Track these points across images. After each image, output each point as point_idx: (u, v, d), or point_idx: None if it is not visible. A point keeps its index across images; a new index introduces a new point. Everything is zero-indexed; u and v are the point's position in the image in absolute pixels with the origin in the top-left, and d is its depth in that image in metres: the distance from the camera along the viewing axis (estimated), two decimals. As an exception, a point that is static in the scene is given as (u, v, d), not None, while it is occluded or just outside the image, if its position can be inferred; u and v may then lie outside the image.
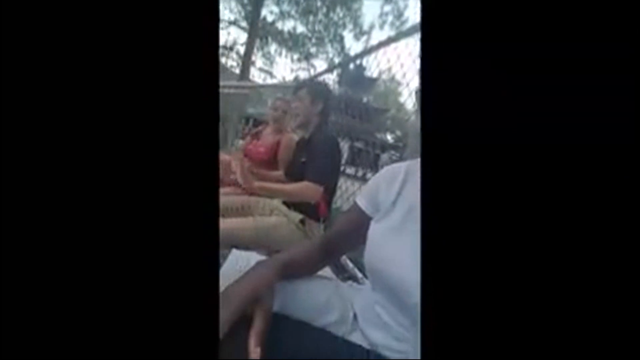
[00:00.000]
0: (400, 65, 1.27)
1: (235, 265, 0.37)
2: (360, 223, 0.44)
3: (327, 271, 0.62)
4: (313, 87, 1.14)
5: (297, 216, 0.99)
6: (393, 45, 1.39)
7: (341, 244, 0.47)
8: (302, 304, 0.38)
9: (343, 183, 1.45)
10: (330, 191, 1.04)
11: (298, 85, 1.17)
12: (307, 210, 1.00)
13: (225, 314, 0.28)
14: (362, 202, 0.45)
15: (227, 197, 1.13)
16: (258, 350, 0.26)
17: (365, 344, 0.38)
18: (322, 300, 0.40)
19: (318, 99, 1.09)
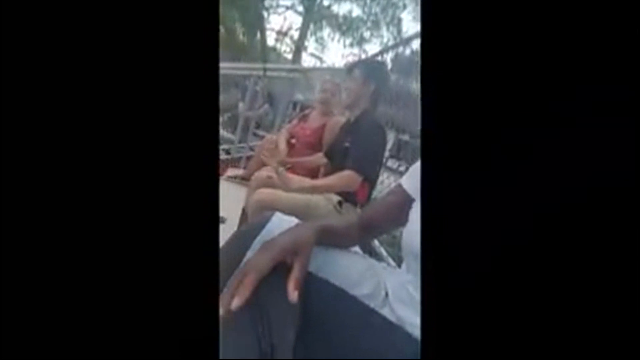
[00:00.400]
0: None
1: (279, 225, 0.41)
2: (402, 205, 0.44)
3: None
4: (368, 66, 1.11)
5: (336, 197, 1.01)
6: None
7: (381, 223, 0.48)
8: (336, 272, 0.40)
9: (385, 178, 1.42)
10: (371, 180, 1.04)
11: (353, 64, 1.15)
12: (347, 193, 1.01)
13: (266, 258, 0.31)
14: (406, 184, 0.46)
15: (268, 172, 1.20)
16: (295, 293, 0.29)
17: (393, 319, 0.40)
18: (354, 272, 0.42)
19: (371, 80, 1.06)
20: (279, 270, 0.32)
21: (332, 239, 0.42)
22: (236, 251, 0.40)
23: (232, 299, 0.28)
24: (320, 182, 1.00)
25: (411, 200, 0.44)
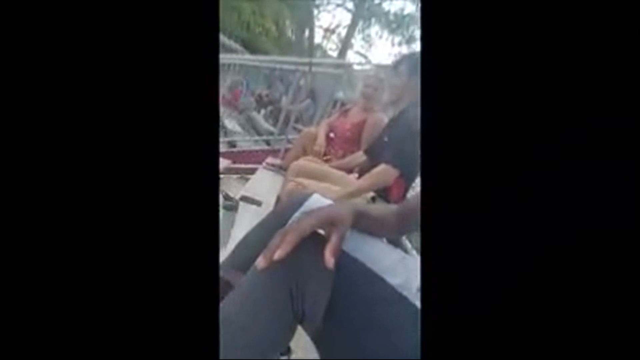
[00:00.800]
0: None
1: (318, 202, 0.42)
2: None
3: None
4: (414, 61, 1.08)
5: (370, 193, 1.01)
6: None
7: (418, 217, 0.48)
8: (369, 256, 0.41)
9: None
10: (407, 177, 1.02)
11: (399, 59, 1.13)
12: (381, 190, 1.00)
13: (308, 222, 0.33)
14: None
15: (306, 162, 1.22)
16: (332, 260, 0.31)
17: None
18: (387, 260, 0.42)
19: (417, 75, 1.04)
20: (317, 241, 0.33)
21: (369, 224, 0.42)
22: (274, 225, 0.42)
23: (272, 254, 0.30)
24: (355, 187, 0.98)
25: None
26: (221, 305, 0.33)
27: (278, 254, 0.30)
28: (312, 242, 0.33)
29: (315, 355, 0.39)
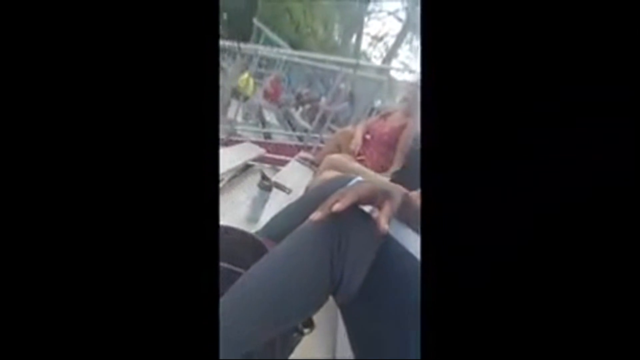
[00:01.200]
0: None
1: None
2: None
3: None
4: None
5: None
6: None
7: None
8: (411, 244, 0.41)
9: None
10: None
11: None
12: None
13: (366, 188, 0.34)
14: None
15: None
16: (386, 226, 0.31)
17: None
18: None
19: None
20: (365, 216, 0.34)
21: (407, 211, 0.42)
22: (314, 201, 0.43)
23: (330, 206, 0.31)
24: (387, 187, 0.98)
25: None
26: (252, 271, 0.34)
27: (337, 206, 0.31)
28: (360, 214, 0.34)
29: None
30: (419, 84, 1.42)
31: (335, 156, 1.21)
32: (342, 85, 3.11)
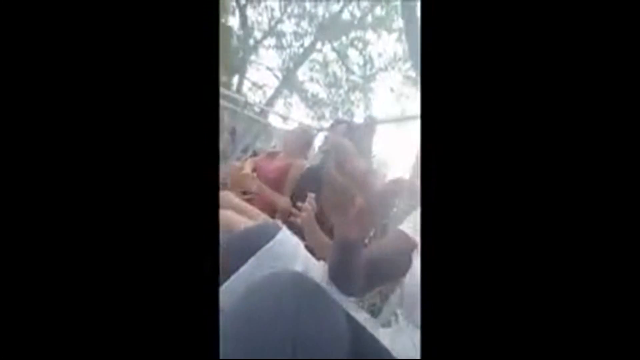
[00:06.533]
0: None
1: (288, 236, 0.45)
2: (407, 250, 0.47)
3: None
4: (353, 127, 1.24)
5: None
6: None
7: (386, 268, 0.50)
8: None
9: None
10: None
11: (339, 120, 1.30)
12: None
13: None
14: (408, 230, 0.50)
15: None
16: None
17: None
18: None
19: (351, 139, 1.22)
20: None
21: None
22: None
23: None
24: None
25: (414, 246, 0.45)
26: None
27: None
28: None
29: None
30: (296, 131, 1.60)
31: (222, 194, 1.14)
32: (225, 118, 3.03)
